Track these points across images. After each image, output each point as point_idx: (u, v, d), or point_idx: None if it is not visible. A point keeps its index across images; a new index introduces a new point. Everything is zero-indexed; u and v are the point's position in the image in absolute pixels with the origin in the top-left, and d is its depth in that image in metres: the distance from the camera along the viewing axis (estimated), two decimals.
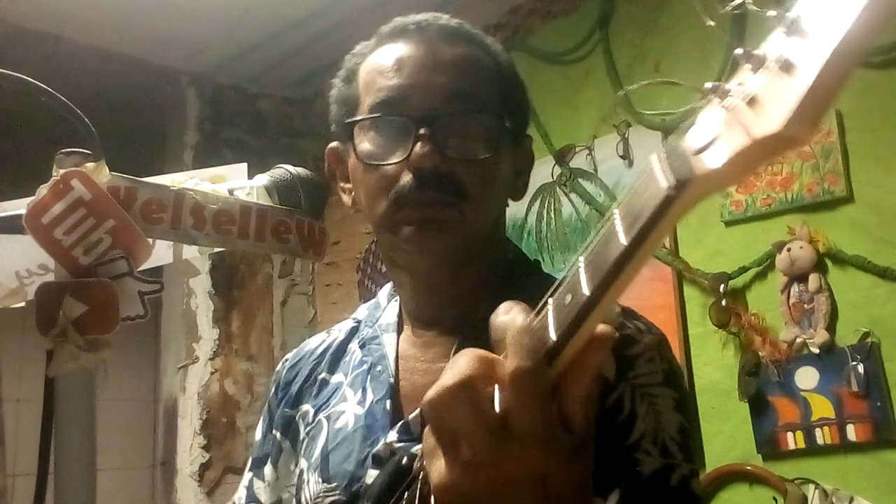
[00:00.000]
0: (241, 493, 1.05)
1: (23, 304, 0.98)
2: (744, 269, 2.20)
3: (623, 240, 0.47)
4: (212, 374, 3.14)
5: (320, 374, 1.02)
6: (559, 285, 0.54)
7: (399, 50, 0.90)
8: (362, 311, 1.05)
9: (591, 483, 0.56)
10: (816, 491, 1.98)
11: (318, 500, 0.90)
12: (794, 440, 2.06)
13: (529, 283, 0.90)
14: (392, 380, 0.92)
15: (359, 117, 0.90)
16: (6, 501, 2.72)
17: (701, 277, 2.26)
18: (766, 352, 2.12)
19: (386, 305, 1.01)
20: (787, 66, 0.40)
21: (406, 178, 0.85)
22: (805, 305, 2.09)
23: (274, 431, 1.04)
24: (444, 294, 0.92)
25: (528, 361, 0.52)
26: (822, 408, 2.04)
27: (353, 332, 1.03)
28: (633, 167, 2.48)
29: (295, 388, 1.03)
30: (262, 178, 1.03)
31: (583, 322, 0.51)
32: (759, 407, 2.12)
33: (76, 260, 0.87)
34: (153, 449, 3.34)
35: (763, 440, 2.11)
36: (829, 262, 2.09)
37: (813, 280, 2.07)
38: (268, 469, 1.03)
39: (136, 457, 3.41)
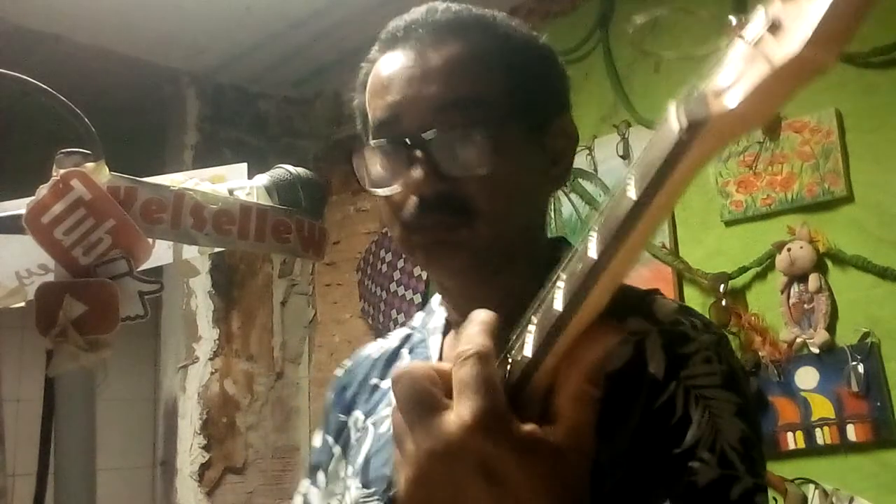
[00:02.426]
0: (296, 501, 1.03)
1: (23, 304, 0.98)
2: (744, 269, 2.20)
3: (633, 195, 0.43)
4: (212, 374, 3.14)
5: (372, 379, 1.00)
6: (571, 256, 0.49)
7: (391, 62, 0.85)
8: (417, 319, 1.03)
9: (578, 496, 0.51)
10: (816, 491, 1.98)
11: None
12: (793, 440, 2.06)
13: None
14: None
15: (357, 149, 0.87)
16: (6, 501, 2.72)
17: (701, 277, 2.26)
18: (766, 352, 2.13)
19: (437, 310, 0.99)
20: None
21: (410, 203, 0.81)
22: (805, 305, 2.09)
23: (327, 437, 1.02)
24: (481, 302, 0.90)
25: (474, 342, 0.51)
26: (821, 408, 2.04)
27: (406, 338, 1.02)
28: None
29: (349, 393, 1.02)
30: (262, 178, 1.02)
31: (590, 289, 0.46)
32: (759, 407, 2.12)
33: (76, 260, 0.87)
34: (153, 449, 3.34)
35: (763, 440, 2.11)
36: (829, 262, 2.09)
37: (813, 280, 2.07)
38: (321, 475, 1.02)
39: (136, 457, 3.41)
